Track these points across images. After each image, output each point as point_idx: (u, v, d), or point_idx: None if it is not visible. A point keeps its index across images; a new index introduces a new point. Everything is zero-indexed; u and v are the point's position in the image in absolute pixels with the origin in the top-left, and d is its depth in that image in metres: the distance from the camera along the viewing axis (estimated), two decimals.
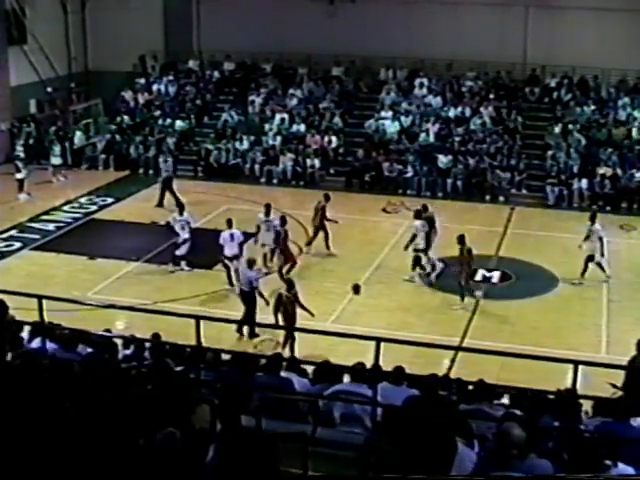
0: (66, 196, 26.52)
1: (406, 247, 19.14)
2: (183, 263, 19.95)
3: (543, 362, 7.97)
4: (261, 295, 16.39)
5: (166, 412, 5.80)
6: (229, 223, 18.87)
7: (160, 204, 24.92)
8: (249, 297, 16.37)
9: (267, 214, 19.69)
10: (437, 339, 15.17)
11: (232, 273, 18.49)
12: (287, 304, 15.17)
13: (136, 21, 32.62)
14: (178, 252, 19.88)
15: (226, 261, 18.70)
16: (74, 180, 28.29)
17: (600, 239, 19.11)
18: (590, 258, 19.23)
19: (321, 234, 20.99)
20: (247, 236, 19.62)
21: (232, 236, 18.61)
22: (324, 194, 21.67)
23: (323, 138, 29.31)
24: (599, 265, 19.31)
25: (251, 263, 16.71)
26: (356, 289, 17.96)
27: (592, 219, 19.56)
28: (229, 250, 18.56)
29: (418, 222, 19.17)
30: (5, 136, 30.35)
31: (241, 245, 18.75)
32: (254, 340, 15.91)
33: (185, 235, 19.75)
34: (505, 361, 12.67)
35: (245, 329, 16.16)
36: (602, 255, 19.12)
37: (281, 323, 15.15)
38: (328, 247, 20.93)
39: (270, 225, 19.39)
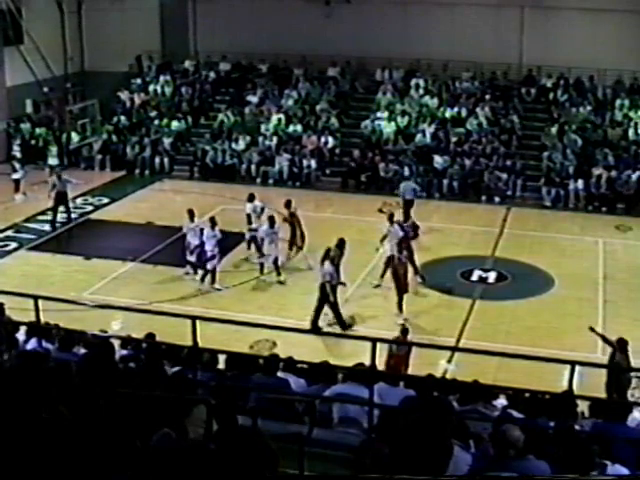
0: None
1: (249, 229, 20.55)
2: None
3: (539, 362, 7.98)
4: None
5: (163, 413, 5.79)
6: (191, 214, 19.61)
7: (54, 223, 23.56)
8: (322, 290, 17.04)
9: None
10: (434, 339, 15.19)
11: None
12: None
13: (132, 21, 32.62)
14: (191, 258, 19.49)
15: None
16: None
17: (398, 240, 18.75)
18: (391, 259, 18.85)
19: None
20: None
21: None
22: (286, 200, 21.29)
23: (319, 139, 29.29)
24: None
25: (332, 259, 17.24)
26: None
27: (390, 220, 19.21)
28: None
29: (250, 205, 20.92)
30: (1, 137, 30.31)
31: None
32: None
33: (196, 242, 19.27)
34: (501, 362, 12.70)
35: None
36: None
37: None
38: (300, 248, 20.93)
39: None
